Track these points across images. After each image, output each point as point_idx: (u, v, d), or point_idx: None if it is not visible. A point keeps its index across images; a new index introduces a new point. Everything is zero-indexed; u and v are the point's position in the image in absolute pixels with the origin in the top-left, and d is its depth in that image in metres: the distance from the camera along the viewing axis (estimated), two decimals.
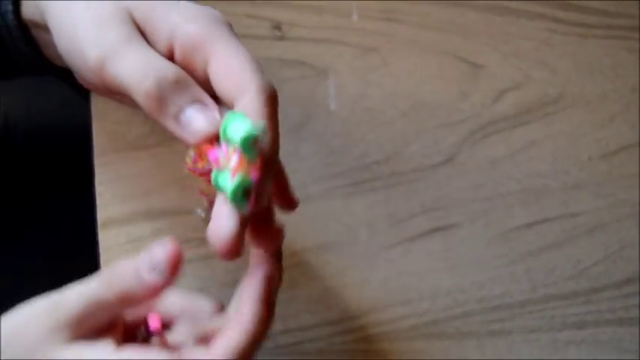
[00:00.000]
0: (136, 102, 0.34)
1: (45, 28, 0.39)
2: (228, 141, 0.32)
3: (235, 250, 0.32)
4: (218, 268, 0.45)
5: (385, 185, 0.48)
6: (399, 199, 0.48)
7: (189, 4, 0.35)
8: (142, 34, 0.35)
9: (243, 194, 0.31)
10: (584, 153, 0.51)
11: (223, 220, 0.32)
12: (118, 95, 0.37)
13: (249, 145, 0.30)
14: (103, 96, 0.42)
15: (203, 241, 0.45)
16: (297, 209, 0.47)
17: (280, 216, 0.47)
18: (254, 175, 0.31)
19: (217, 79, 0.33)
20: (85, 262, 0.56)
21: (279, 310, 0.45)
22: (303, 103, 0.48)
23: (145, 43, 0.34)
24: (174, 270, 0.31)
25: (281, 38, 0.49)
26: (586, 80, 0.52)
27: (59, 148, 0.65)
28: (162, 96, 0.33)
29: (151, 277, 0.31)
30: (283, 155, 0.47)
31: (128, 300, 0.32)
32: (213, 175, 0.32)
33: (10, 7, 0.39)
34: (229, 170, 0.31)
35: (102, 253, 0.44)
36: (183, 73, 0.34)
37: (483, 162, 0.50)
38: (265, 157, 0.32)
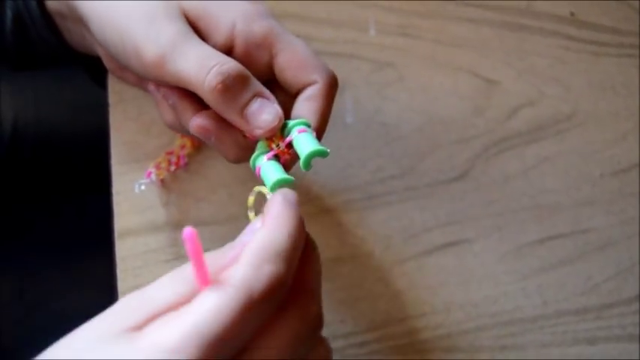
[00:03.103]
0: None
1: (71, 18, 0.39)
2: (290, 142, 0.35)
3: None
4: None
5: (400, 199, 0.49)
6: (413, 214, 0.49)
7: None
8: (195, 29, 0.36)
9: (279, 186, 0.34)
10: (596, 170, 0.52)
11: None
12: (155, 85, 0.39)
13: (311, 161, 0.35)
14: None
15: None
16: (312, 222, 0.47)
17: None
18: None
19: (286, 70, 0.36)
20: (97, 270, 0.56)
21: None
22: None
23: (199, 39, 0.36)
24: None
25: None
26: (598, 98, 0.53)
27: (68, 153, 0.65)
28: (228, 91, 0.34)
29: None
30: (299, 169, 0.48)
31: None
32: (254, 157, 0.36)
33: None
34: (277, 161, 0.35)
35: (119, 263, 0.44)
36: (242, 67, 0.35)
37: (497, 178, 0.50)
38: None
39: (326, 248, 0.47)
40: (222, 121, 0.36)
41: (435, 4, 0.51)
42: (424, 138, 0.50)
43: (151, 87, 0.39)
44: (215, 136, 0.36)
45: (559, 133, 0.52)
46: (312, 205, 0.48)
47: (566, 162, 0.51)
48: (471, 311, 0.48)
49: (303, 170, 0.35)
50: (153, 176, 0.45)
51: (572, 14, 0.53)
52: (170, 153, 0.46)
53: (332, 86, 0.37)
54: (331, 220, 0.48)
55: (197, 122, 0.36)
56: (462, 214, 0.49)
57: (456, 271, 0.49)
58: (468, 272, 0.49)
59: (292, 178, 0.34)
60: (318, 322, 0.31)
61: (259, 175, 0.35)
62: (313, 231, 0.47)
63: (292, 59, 0.36)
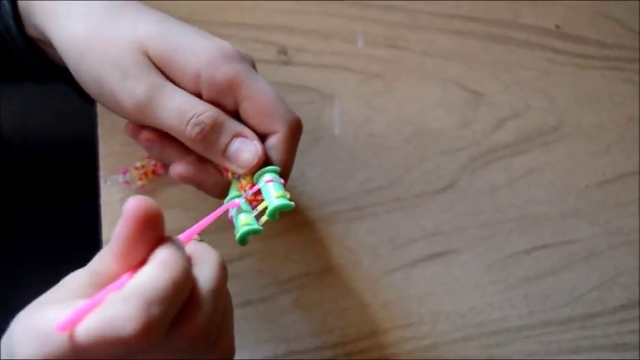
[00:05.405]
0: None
1: (52, 46, 0.39)
2: (259, 190, 0.36)
3: None
4: None
5: (387, 210, 0.49)
6: (400, 224, 0.49)
7: (204, 40, 0.36)
8: (163, 73, 0.36)
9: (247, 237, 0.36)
10: (581, 181, 0.52)
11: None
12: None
13: (276, 213, 0.35)
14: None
15: None
16: (301, 232, 0.48)
17: (284, 240, 0.47)
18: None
19: (249, 118, 0.37)
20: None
21: (281, 332, 0.46)
22: (308, 127, 0.48)
23: (174, 86, 0.36)
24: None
25: (287, 63, 0.49)
26: (584, 110, 0.53)
27: (55, 161, 0.65)
28: (207, 138, 0.36)
29: None
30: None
31: None
32: (226, 200, 0.37)
33: (12, 23, 0.40)
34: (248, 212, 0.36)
35: None
36: (218, 113, 0.36)
37: (483, 189, 0.51)
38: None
39: (313, 259, 0.48)
40: (200, 167, 0.38)
41: (423, 17, 0.52)
42: (412, 149, 0.50)
43: (129, 132, 0.39)
44: (195, 181, 0.38)
45: (545, 144, 0.52)
46: (299, 215, 0.48)
47: (552, 173, 0.52)
48: (458, 321, 0.49)
49: (270, 220, 0.36)
50: (128, 175, 0.45)
51: (557, 27, 0.54)
52: (150, 157, 0.46)
53: (293, 134, 0.37)
54: (319, 231, 0.48)
55: (177, 171, 0.38)
56: (449, 224, 0.50)
57: (442, 281, 0.49)
58: (454, 282, 0.49)
59: (260, 227, 0.35)
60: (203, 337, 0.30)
61: (231, 220, 0.36)
62: (301, 242, 0.48)
63: (254, 107, 0.36)
